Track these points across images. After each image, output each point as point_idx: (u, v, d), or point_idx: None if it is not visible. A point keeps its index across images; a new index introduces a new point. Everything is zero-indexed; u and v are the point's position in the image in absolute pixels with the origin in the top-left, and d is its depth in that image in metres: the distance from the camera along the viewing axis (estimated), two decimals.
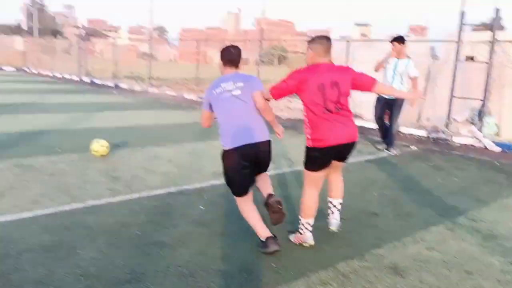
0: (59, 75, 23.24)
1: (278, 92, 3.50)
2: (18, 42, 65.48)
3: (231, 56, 3.64)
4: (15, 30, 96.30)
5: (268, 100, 3.57)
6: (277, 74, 23.05)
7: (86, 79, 20.96)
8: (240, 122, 3.46)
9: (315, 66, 3.42)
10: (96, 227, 3.74)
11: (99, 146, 6.22)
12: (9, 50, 45.37)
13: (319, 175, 3.50)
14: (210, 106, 3.63)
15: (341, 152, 3.49)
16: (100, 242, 3.45)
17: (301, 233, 3.58)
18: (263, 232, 3.36)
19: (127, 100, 14.22)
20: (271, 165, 3.75)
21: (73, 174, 5.35)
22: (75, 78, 21.62)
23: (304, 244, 3.56)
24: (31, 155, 6.09)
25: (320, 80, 3.33)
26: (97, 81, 20.17)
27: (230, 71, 3.64)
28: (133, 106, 12.73)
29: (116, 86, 18.70)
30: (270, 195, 3.53)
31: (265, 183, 3.67)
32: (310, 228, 3.56)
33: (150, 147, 7.14)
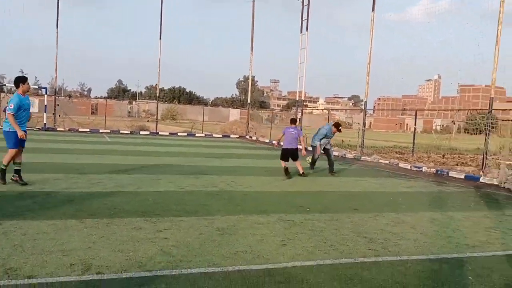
0: (274, 142, 25.91)
1: None
2: (233, 113, 75.83)
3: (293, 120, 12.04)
4: (230, 102, 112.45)
5: None
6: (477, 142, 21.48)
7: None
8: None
9: None
10: (374, 283, 4.13)
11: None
12: (227, 120, 52.85)
13: None
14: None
15: None
16: None
17: None
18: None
19: (343, 167, 14.98)
20: None
21: (330, 231, 5.97)
22: None
23: None
24: (289, 213, 7.03)
25: None
26: (309, 148, 21.79)
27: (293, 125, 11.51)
28: (353, 173, 13.36)
29: None
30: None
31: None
32: None
33: (387, 213, 7.43)
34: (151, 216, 6.31)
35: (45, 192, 7.66)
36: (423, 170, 14.58)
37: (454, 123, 11.79)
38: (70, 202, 6.96)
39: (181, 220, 6.15)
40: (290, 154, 11.45)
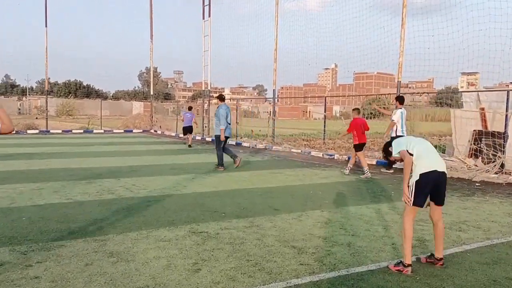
0: (181, 135, 24.34)
1: None
2: (136, 106, 72.29)
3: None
4: (132, 95, 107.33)
5: None
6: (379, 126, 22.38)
7: (208, 138, 21.75)
8: None
9: None
10: None
11: None
12: (130, 114, 49.87)
13: None
14: None
15: None
16: None
17: None
18: None
19: (256, 158, 14.19)
20: None
21: (252, 242, 5.00)
22: (198, 137, 22.54)
23: None
24: (201, 221, 5.93)
25: None
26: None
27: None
28: (267, 165, 12.58)
29: (238, 144, 19.05)
30: None
31: None
32: None
33: (311, 211, 6.67)
34: (22, 243, 4.83)
35: None
36: (335, 158, 14.31)
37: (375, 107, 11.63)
38: None
39: (62, 246, 4.75)
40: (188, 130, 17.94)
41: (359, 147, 10.70)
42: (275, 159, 14.25)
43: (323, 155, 14.87)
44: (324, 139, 17.06)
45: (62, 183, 8.68)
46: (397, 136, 10.46)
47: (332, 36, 16.74)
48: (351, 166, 10.89)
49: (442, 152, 13.18)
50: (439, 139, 20.32)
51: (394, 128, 10.56)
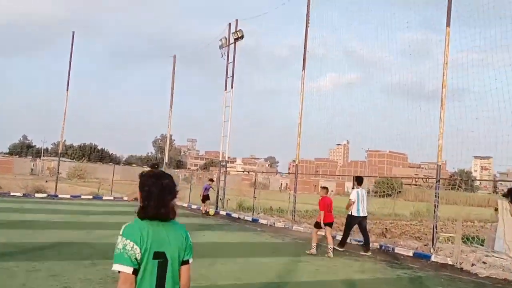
0: (194, 206, 23.16)
1: None
2: None
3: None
4: (145, 161, 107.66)
5: None
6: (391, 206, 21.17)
7: (222, 212, 20.56)
8: None
9: None
10: None
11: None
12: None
13: None
14: None
15: None
16: None
17: None
18: None
19: (277, 240, 12.95)
20: None
21: None
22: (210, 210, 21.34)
23: None
24: None
25: None
26: (233, 214, 19.60)
27: None
28: (291, 250, 11.33)
29: (254, 221, 17.80)
30: None
31: None
32: None
33: None
34: None
35: None
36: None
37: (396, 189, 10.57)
38: None
39: None
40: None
41: (320, 225, 10.81)
42: (298, 241, 12.98)
43: (350, 240, 13.53)
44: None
45: (62, 264, 7.54)
46: (352, 216, 11.43)
47: (359, 114, 16.12)
48: (331, 246, 10.74)
49: (481, 245, 11.84)
50: (464, 225, 18.90)
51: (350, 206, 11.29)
